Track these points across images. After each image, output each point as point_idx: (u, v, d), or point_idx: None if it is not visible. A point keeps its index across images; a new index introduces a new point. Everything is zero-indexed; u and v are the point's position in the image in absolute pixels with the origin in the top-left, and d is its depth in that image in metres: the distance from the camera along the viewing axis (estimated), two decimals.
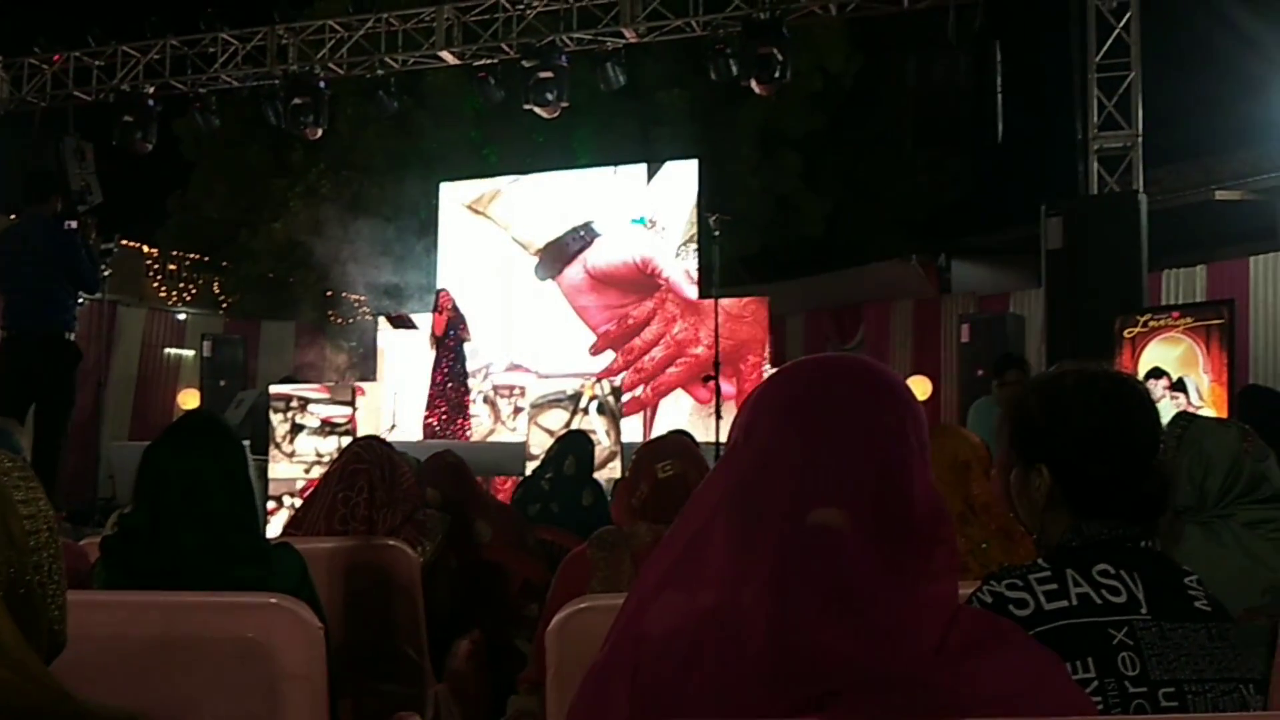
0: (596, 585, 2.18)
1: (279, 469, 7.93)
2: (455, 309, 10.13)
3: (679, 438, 3.01)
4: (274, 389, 8.43)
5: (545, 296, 11.77)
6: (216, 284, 16.87)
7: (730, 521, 1.05)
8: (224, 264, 16.58)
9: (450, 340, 10.00)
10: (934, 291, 12.03)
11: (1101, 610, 1.30)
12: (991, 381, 6.38)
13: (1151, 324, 7.24)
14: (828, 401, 1.08)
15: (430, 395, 10.06)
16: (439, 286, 10.75)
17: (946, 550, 1.04)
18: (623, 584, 2.13)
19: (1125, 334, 7.28)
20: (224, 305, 16.58)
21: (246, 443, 7.92)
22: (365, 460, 3.05)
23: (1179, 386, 6.82)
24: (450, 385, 10.01)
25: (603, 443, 7.46)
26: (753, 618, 1.00)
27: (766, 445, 1.07)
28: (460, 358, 10.12)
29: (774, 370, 1.16)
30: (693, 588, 1.05)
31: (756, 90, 9.10)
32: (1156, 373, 6.82)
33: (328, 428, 7.94)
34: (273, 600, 1.85)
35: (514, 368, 11.65)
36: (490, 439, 11.10)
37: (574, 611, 1.75)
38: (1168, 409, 6.32)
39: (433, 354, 10.15)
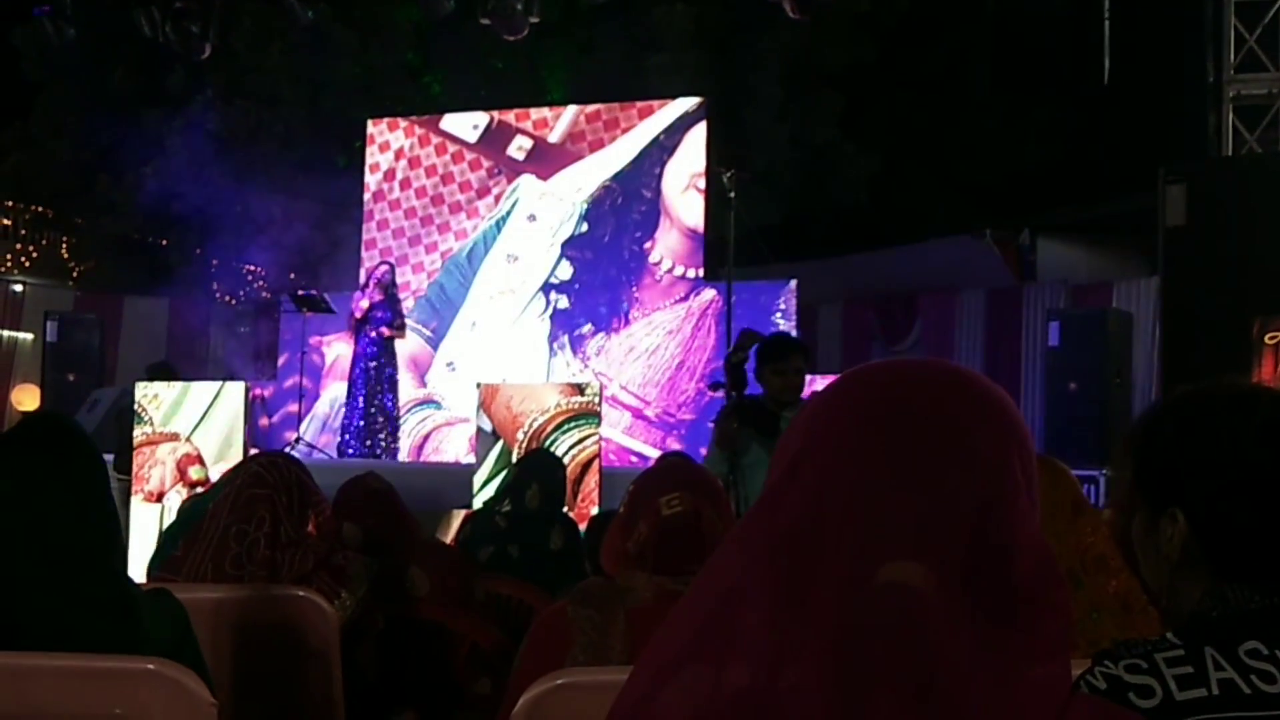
0: (580, 654, 2.15)
1: None
2: (390, 288, 10.08)
3: (686, 463, 3.02)
4: (141, 387, 8.37)
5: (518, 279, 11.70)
6: (65, 246, 16.77)
7: (773, 579, 1.04)
8: (76, 220, 16.48)
9: (373, 327, 9.97)
10: (1013, 278, 12.07)
11: (1251, 702, 1.30)
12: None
13: None
14: (904, 421, 1.08)
15: (348, 401, 10.05)
16: (374, 259, 10.73)
17: (1058, 620, 1.04)
18: (614, 653, 2.11)
19: (1267, 339, 7.31)
20: (75, 274, 16.49)
21: (106, 457, 7.90)
22: (268, 484, 3.03)
23: None
24: (373, 389, 9.98)
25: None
26: (802, 704, 0.99)
27: (823, 480, 1.07)
28: (387, 351, 10.09)
29: (835, 380, 1.16)
30: (721, 661, 1.04)
31: (786, 10, 9.11)
32: None
33: None
34: (149, 666, 1.83)
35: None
36: (427, 460, 11.11)
37: (550, 688, 1.74)
38: None
39: (350, 345, 10.14)
